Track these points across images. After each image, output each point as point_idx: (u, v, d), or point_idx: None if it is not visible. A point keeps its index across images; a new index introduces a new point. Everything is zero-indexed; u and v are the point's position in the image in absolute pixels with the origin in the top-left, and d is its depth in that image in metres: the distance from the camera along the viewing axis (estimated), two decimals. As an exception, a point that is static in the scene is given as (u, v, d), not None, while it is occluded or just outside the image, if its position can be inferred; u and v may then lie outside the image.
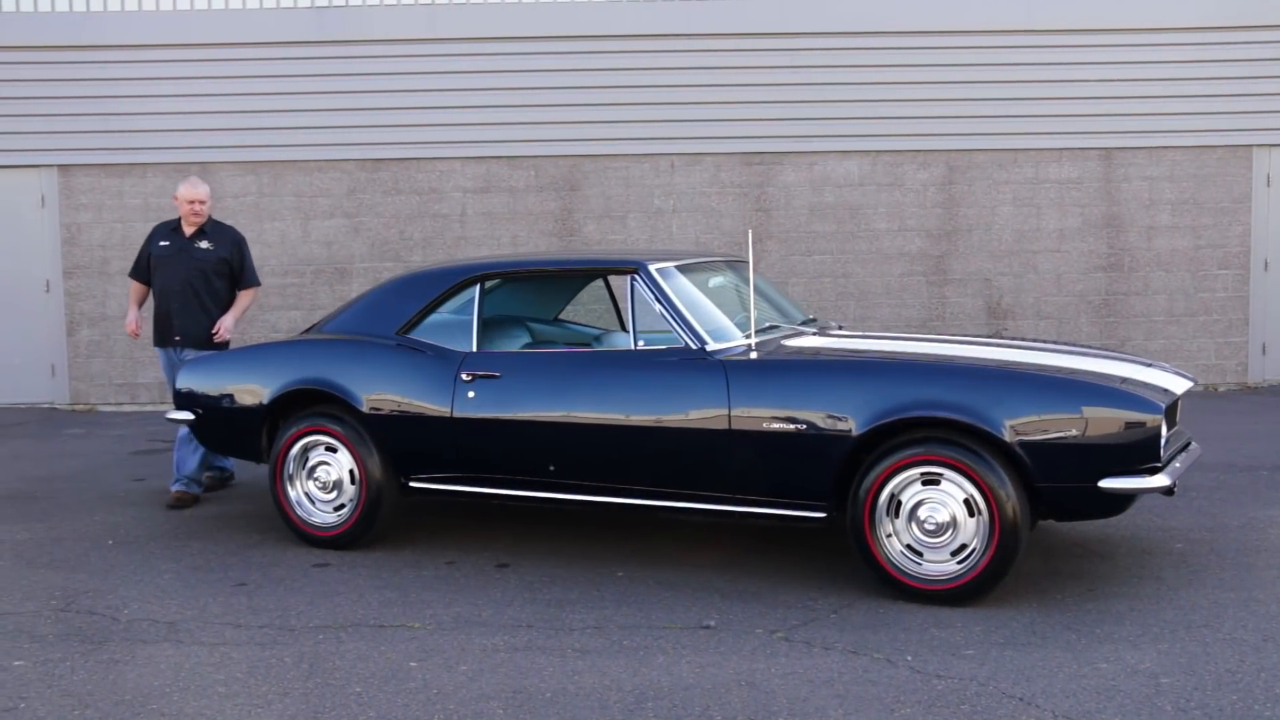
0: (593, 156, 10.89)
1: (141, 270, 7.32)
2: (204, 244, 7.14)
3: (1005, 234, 10.92)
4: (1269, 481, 7.19)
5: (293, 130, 10.67)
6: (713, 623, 4.83)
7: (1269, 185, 10.92)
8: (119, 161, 10.80)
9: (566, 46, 10.73)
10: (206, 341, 7.08)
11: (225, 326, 7.10)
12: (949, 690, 4.08)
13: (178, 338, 7.09)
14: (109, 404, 10.99)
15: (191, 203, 7.12)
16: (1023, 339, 7.11)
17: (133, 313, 7.33)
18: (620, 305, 7.23)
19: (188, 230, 7.16)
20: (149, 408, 10.93)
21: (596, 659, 4.45)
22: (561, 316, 7.22)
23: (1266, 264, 10.97)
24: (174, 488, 7.09)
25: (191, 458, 7.04)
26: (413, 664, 4.43)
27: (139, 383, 10.98)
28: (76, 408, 11.00)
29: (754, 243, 10.82)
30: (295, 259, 10.92)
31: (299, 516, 6.08)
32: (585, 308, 7.60)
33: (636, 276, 5.57)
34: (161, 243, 7.19)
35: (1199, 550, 5.74)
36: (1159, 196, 10.91)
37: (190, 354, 6.99)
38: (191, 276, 7.08)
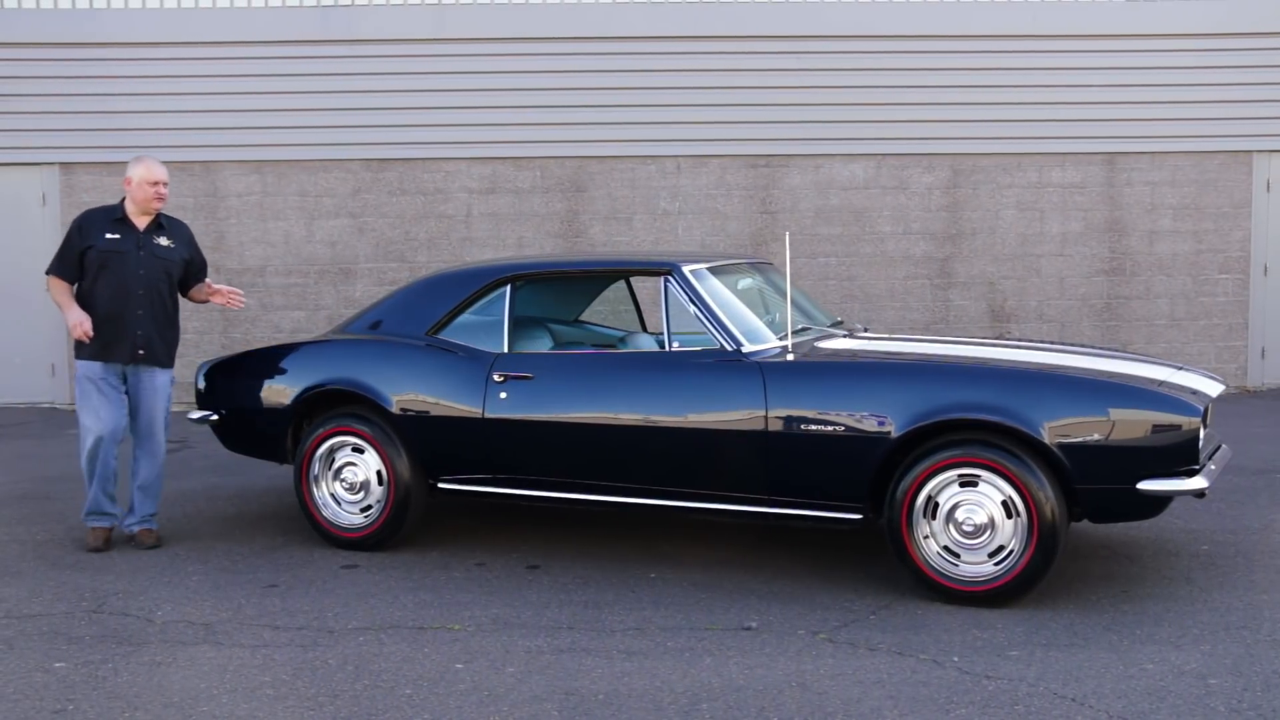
0: (599, 158, 10.88)
1: (72, 269, 5.99)
2: (164, 240, 6.09)
3: (1009, 238, 10.97)
4: (1283, 484, 7.26)
5: (297, 130, 10.62)
6: (754, 624, 4.84)
7: (1269, 190, 11.01)
8: (122, 160, 10.62)
9: (573, 48, 10.72)
10: (170, 360, 6.14)
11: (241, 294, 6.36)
12: (1000, 691, 4.10)
13: (141, 352, 5.97)
14: (110, 404, 10.89)
15: (155, 184, 6.02)
16: (1051, 342, 7.15)
17: (78, 310, 5.91)
18: (642, 306, 7.24)
19: (140, 221, 6.05)
20: (150, 408, 10.83)
21: (643, 660, 4.44)
22: (581, 317, 7.21)
23: (1266, 269, 11.06)
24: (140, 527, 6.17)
25: (92, 487, 6.08)
26: (459, 666, 4.42)
27: (140, 383, 10.88)
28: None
29: (759, 245, 10.85)
30: (299, 259, 10.87)
31: (325, 518, 6.05)
32: (591, 309, 7.56)
33: (670, 278, 5.58)
34: (108, 235, 5.95)
35: (1225, 552, 5.78)
36: (1161, 201, 10.98)
37: (155, 373, 6.04)
38: (156, 279, 6.02)
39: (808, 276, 10.87)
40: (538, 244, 10.89)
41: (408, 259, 10.88)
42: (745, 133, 10.82)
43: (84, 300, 5.97)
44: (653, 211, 10.91)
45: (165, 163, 10.78)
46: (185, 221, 6.59)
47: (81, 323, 5.87)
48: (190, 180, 10.76)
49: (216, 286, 6.33)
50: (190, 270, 6.26)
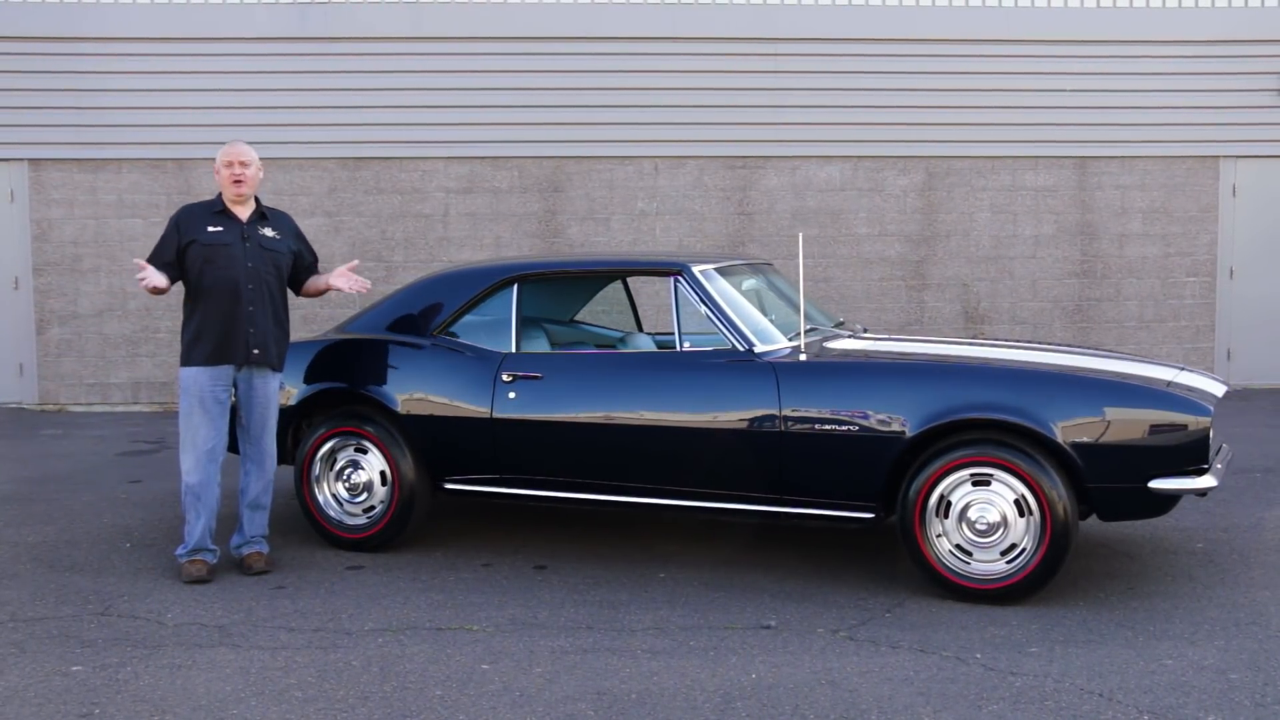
0: (576, 158, 10.87)
1: (164, 266, 5.50)
2: (269, 231, 5.64)
3: (982, 240, 11.10)
4: (1264, 483, 7.39)
5: (273, 127, 10.46)
6: (773, 623, 4.86)
7: (1235, 195, 11.22)
8: (93, 157, 10.56)
9: (551, 48, 10.71)
10: (281, 362, 5.68)
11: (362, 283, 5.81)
12: (1028, 687, 4.15)
13: (256, 351, 5.49)
14: (79, 404, 10.73)
15: (230, 165, 5.53)
16: (1053, 343, 7.25)
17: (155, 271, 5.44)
18: (637, 306, 7.25)
19: (240, 212, 5.59)
20: (121, 408, 10.71)
21: (669, 660, 4.45)
22: (579, 317, 7.19)
23: (1232, 272, 11.27)
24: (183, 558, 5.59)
25: (197, 522, 5.56)
26: (485, 666, 4.40)
27: (111, 383, 10.74)
28: (46, 408, 10.72)
29: (737, 245, 10.89)
30: (274, 258, 10.74)
31: (327, 518, 6.00)
32: (587, 309, 7.55)
33: (680, 279, 5.59)
34: (210, 228, 5.50)
35: (1221, 550, 5.88)
36: (1130, 205, 11.16)
37: (267, 377, 5.61)
38: (265, 272, 5.55)
39: (786, 277, 10.91)
40: (515, 244, 10.86)
41: (384, 258, 10.80)
42: (723, 134, 10.86)
43: (192, 299, 5.54)
44: (630, 212, 10.92)
45: (136, 160, 10.78)
46: (274, 215, 5.86)
47: (147, 276, 5.38)
48: (163, 178, 10.63)
49: (338, 271, 5.83)
50: (300, 264, 5.83)
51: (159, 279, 5.45)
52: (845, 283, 11.02)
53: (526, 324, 6.01)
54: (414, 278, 7.90)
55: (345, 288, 5.83)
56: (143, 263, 5.49)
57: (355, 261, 6.12)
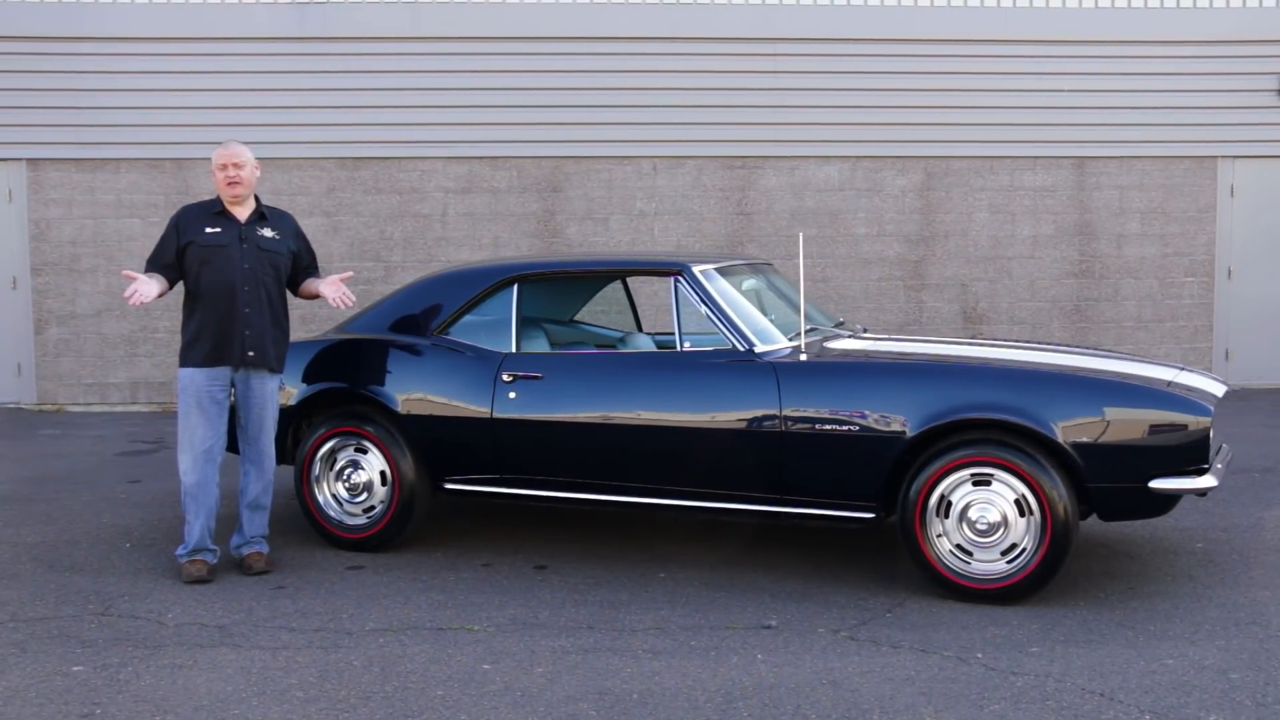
0: (575, 158, 10.87)
1: (161, 267, 5.54)
2: (267, 231, 5.62)
3: (981, 240, 11.10)
4: (1263, 483, 7.40)
5: (272, 127, 10.46)
6: (774, 623, 4.86)
7: (1233, 195, 11.23)
8: (91, 156, 10.56)
9: (550, 48, 10.71)
10: (280, 363, 5.66)
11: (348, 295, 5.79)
12: (1029, 687, 4.16)
13: (251, 353, 5.48)
14: (78, 404, 10.72)
15: (224, 169, 5.49)
16: (1052, 343, 7.25)
17: (144, 277, 5.45)
18: (637, 306, 7.26)
19: (239, 213, 5.58)
20: (119, 408, 10.70)
21: (670, 659, 4.45)
22: (578, 317, 7.20)
23: (1230, 272, 11.29)
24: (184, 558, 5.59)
25: (195, 522, 5.56)
26: (486, 666, 4.40)
27: (109, 383, 10.73)
28: (44, 408, 10.71)
29: (735, 246, 10.90)
30: (273, 258, 10.74)
31: (327, 518, 5.99)
32: (586, 308, 7.55)
33: (680, 279, 5.59)
34: (209, 229, 5.50)
35: (1221, 550, 5.89)
36: (1129, 205, 11.17)
37: (265, 378, 5.60)
38: (262, 273, 5.54)
39: (785, 277, 10.91)
40: (514, 244, 10.86)
41: (383, 258, 10.80)
42: (721, 134, 10.86)
43: (190, 300, 5.54)
44: (629, 212, 10.92)
45: (135, 160, 10.76)
46: (278, 215, 5.84)
47: (138, 289, 5.35)
48: (162, 178, 10.62)
49: (330, 279, 5.85)
50: (299, 264, 5.81)
51: (149, 292, 5.40)
52: (844, 283, 11.03)
53: (526, 324, 6.01)
54: (413, 278, 7.93)
55: (330, 298, 5.79)
56: (132, 274, 5.46)
57: (349, 273, 6.22)
